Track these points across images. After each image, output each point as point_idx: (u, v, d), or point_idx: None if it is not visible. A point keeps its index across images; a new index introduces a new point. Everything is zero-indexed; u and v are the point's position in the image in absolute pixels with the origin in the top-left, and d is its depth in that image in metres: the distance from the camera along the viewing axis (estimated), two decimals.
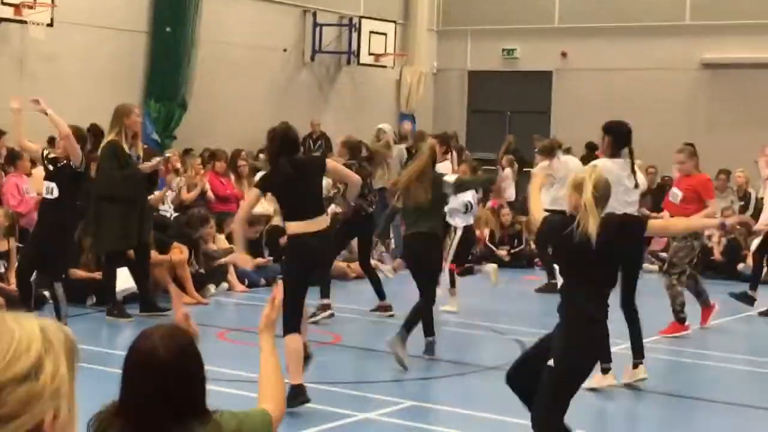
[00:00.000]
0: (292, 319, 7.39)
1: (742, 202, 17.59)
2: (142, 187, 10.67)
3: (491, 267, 12.90)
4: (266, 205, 15.44)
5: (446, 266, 12.24)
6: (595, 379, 8.30)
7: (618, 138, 8.76)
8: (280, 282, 3.97)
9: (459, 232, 12.18)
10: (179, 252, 12.17)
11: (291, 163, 7.67)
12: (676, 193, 11.07)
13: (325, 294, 11.20)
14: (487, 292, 12.99)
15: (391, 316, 11.26)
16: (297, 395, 7.34)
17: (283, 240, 8.58)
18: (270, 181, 7.90)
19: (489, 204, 17.62)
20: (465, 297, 12.46)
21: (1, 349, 1.83)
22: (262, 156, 17.79)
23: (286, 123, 8.25)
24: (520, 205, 18.72)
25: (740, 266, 16.28)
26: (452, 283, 12.28)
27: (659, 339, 10.76)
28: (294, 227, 7.61)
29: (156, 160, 10.92)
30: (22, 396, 1.82)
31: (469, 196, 12.11)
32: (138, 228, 10.67)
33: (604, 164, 8.30)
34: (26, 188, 12.80)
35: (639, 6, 23.46)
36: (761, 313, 13.12)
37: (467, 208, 12.12)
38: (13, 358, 1.83)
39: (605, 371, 8.46)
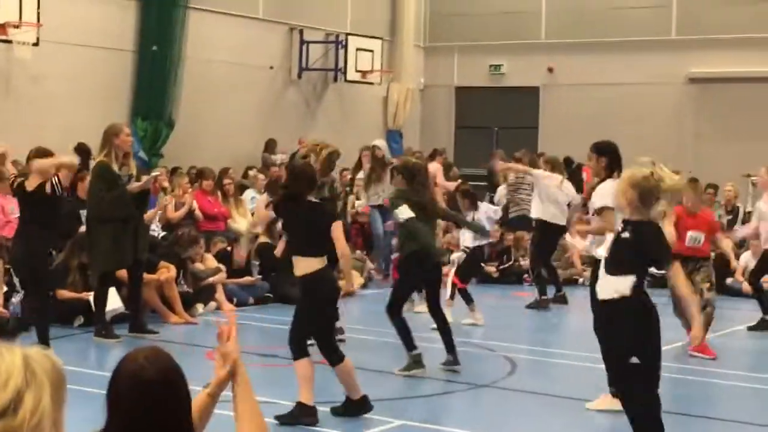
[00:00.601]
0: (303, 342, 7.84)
1: (730, 216, 17.61)
2: (132, 206, 10.61)
3: (478, 317, 12.72)
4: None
5: (449, 278, 12.35)
6: (603, 401, 8.28)
7: (614, 159, 8.73)
8: (232, 314, 3.74)
9: (465, 251, 12.34)
10: (167, 271, 12.12)
11: (311, 206, 7.95)
12: (696, 237, 10.91)
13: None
14: (477, 308, 12.93)
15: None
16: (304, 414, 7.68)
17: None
18: (290, 214, 8.07)
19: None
20: (456, 314, 12.42)
21: None
22: (251, 173, 17.78)
23: (308, 161, 8.89)
24: (511, 222, 18.71)
25: (729, 281, 16.27)
26: (452, 296, 12.38)
27: None
28: (314, 264, 7.79)
29: (144, 178, 10.87)
30: None
31: (484, 219, 12.32)
32: (132, 247, 10.61)
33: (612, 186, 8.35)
34: (11, 209, 12.70)
35: (625, 21, 23.53)
36: (750, 328, 13.11)
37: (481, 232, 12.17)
38: None
39: (615, 395, 8.40)
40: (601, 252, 6.48)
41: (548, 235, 14.36)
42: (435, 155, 20.64)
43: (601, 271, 6.46)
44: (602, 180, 8.77)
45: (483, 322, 12.48)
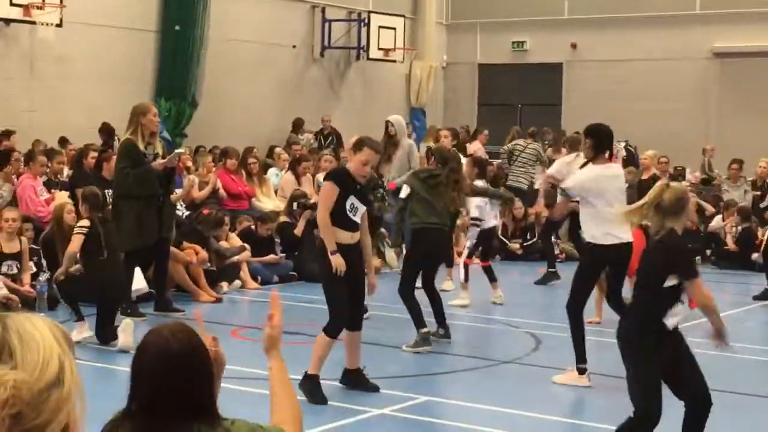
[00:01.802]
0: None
1: (759, 192, 17.43)
2: (157, 184, 10.65)
3: (499, 294, 12.64)
4: (277, 202, 15.45)
5: (461, 260, 12.33)
6: (569, 376, 8.40)
7: (599, 142, 8.62)
8: (275, 295, 3.76)
9: (476, 231, 12.25)
10: (194, 253, 12.19)
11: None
12: None
13: None
14: (500, 285, 12.93)
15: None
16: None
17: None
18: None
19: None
20: (478, 291, 12.43)
21: (32, 360, 1.86)
22: (277, 150, 17.76)
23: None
24: (531, 198, 18.65)
25: (754, 256, 16.17)
26: (466, 278, 12.29)
27: None
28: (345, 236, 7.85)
29: (169, 156, 10.91)
30: (53, 403, 1.85)
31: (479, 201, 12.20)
32: (157, 225, 10.65)
33: (591, 171, 8.41)
34: (40, 189, 12.80)
35: None
36: (755, 297, 13.10)
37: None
38: (44, 366, 1.85)
39: (581, 371, 8.48)
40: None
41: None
42: (477, 134, 20.46)
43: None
44: (587, 162, 8.76)
45: (503, 300, 12.44)
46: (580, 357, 8.49)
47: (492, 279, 12.53)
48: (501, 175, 18.38)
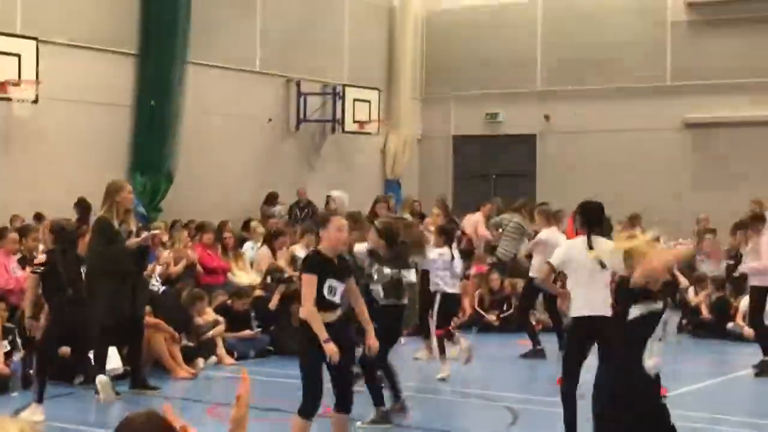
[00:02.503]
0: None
1: (732, 262, 17.54)
2: (131, 262, 10.65)
3: (465, 344, 12.51)
4: (253, 276, 15.43)
5: (432, 333, 12.29)
6: None
7: (585, 219, 8.74)
8: (245, 376, 3.71)
9: (438, 298, 12.18)
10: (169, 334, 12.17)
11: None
12: None
13: None
14: (476, 358, 12.90)
15: None
16: None
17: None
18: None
19: (474, 269, 17.58)
20: (455, 362, 12.39)
21: None
22: (252, 224, 17.77)
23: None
24: (513, 270, 18.71)
25: (729, 325, 16.25)
26: (441, 350, 12.24)
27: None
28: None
29: (144, 234, 10.92)
30: None
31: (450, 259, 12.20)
32: (131, 302, 10.63)
33: (570, 242, 8.54)
34: (13, 267, 12.73)
35: (620, 68, 23.69)
36: (756, 374, 12.96)
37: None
38: None
39: None
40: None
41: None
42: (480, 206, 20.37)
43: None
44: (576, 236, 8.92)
45: (448, 374, 12.26)
46: None
47: (441, 351, 12.32)
48: (485, 246, 18.50)
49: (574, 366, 8.49)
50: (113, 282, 10.51)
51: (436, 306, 12.18)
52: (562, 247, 9.11)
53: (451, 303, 12.51)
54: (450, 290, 12.23)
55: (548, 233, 13.66)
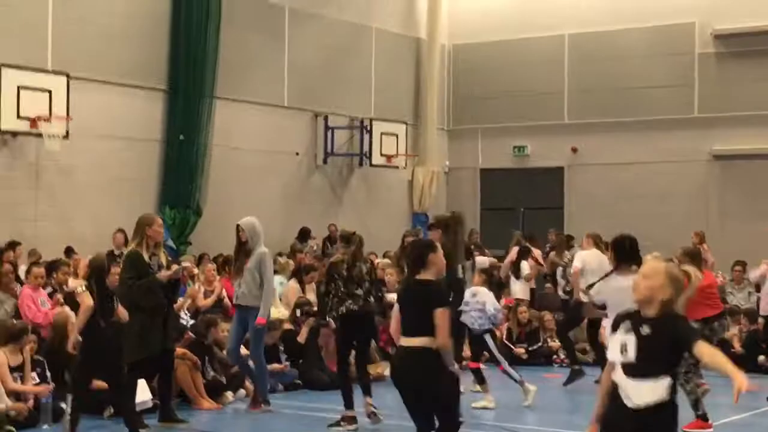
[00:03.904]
0: None
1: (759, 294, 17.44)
2: (162, 295, 10.69)
3: (532, 388, 12.61)
4: (282, 310, 15.45)
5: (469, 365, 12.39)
6: None
7: (619, 254, 8.72)
8: None
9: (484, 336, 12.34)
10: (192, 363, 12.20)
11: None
12: None
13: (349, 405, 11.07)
14: (506, 391, 12.84)
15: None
16: None
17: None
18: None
19: (503, 302, 17.54)
20: (503, 393, 12.41)
21: None
22: (280, 259, 17.82)
23: None
24: (538, 302, 18.68)
25: (761, 359, 16.10)
26: (480, 380, 12.32)
27: None
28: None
29: (174, 267, 10.96)
30: None
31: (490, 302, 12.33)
32: (161, 336, 10.66)
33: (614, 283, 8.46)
34: (42, 300, 12.82)
35: (647, 100, 23.68)
36: None
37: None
38: None
39: None
40: (613, 356, 5.78)
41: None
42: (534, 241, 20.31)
43: (622, 378, 5.58)
44: (610, 272, 8.85)
45: (494, 405, 12.31)
46: None
47: (481, 381, 12.49)
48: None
49: None
50: (144, 315, 10.54)
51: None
52: (606, 287, 9.00)
53: (480, 340, 12.62)
54: (480, 327, 12.36)
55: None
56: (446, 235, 11.76)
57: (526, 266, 19.19)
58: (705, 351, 5.44)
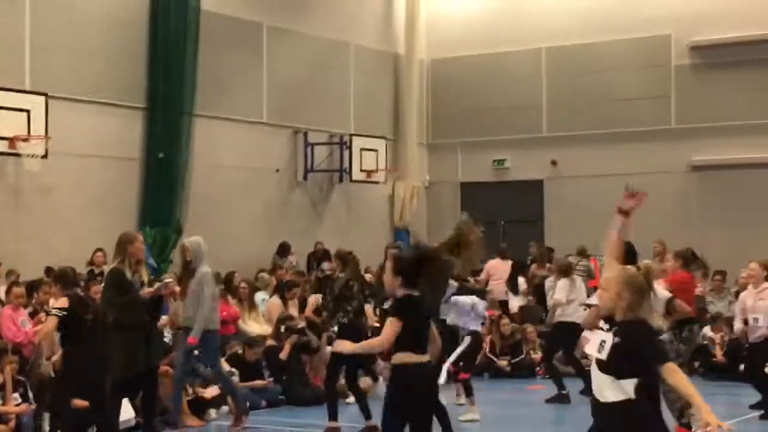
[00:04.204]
0: None
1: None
2: (145, 312, 10.66)
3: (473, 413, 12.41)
4: (264, 326, 15.43)
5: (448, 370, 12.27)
6: None
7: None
8: None
9: (467, 339, 12.20)
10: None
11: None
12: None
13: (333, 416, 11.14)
14: (489, 403, 12.87)
15: None
16: None
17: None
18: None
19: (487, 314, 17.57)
20: (488, 405, 12.36)
21: None
22: (263, 275, 17.82)
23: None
24: (520, 315, 18.74)
25: (742, 366, 16.16)
26: (468, 392, 12.28)
27: None
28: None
29: (157, 285, 10.94)
30: None
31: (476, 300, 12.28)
32: (145, 353, 10.62)
33: None
34: (22, 320, 12.75)
35: (625, 112, 23.80)
36: (762, 417, 12.92)
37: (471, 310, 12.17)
38: None
39: None
40: (590, 350, 5.99)
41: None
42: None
43: (596, 372, 5.83)
44: None
45: (479, 417, 12.26)
46: None
47: (468, 393, 12.37)
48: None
49: None
50: (127, 333, 10.50)
51: (465, 347, 12.20)
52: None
53: (478, 342, 12.65)
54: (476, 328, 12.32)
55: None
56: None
57: (522, 281, 19.32)
58: (673, 376, 5.59)
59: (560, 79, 24.69)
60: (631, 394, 5.67)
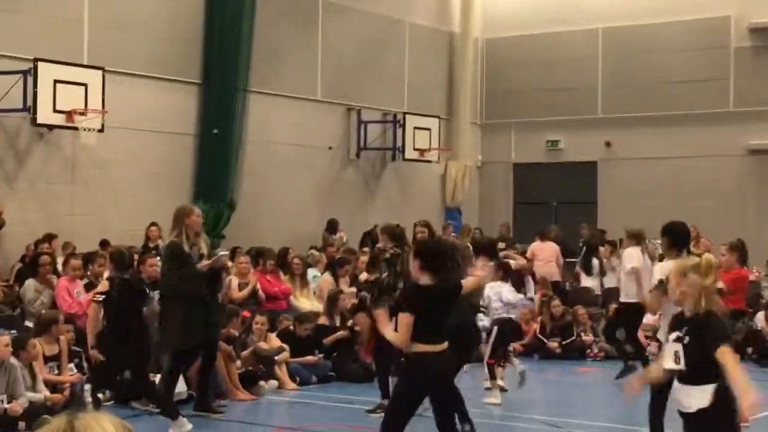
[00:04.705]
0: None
1: None
2: (203, 285, 10.72)
3: (520, 368, 12.45)
4: (315, 303, 15.49)
5: (485, 360, 12.25)
6: None
7: (675, 239, 8.64)
8: None
9: (495, 330, 12.15)
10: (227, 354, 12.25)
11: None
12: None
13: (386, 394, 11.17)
14: (539, 384, 12.83)
15: None
16: None
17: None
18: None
19: (537, 295, 17.50)
20: (517, 390, 12.31)
21: None
22: (314, 253, 17.88)
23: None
24: (571, 296, 18.64)
25: None
26: (492, 375, 12.20)
27: None
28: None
29: (214, 258, 11.01)
30: None
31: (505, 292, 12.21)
32: (203, 326, 10.69)
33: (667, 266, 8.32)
34: (77, 291, 12.92)
35: (682, 94, 23.54)
36: None
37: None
38: None
39: None
40: (668, 365, 5.91)
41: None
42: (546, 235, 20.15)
43: (677, 384, 5.86)
44: (662, 257, 8.78)
45: (499, 402, 12.16)
46: None
47: (492, 377, 12.21)
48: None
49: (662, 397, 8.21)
50: (185, 306, 10.58)
51: (493, 335, 12.16)
52: (657, 272, 8.91)
53: (507, 329, 12.45)
54: (506, 315, 12.21)
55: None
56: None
57: (596, 263, 19.18)
58: (724, 357, 5.54)
59: (616, 60, 24.46)
60: (712, 400, 5.66)
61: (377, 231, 21.15)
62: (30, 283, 13.18)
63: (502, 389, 12.26)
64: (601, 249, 18.98)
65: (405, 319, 7.05)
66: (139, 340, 10.12)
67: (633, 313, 13.64)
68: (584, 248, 19.49)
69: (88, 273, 13.51)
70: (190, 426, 9.80)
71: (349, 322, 14.19)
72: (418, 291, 7.23)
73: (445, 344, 7.20)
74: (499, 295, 12.18)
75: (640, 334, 15.78)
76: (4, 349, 10.14)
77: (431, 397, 7.45)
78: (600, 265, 19.16)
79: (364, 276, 12.45)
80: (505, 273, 12.50)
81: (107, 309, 10.14)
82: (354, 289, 14.79)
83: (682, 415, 5.87)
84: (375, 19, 23.16)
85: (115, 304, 10.04)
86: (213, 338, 11.01)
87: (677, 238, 8.64)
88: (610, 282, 18.28)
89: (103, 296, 10.12)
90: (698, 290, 5.77)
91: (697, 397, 5.69)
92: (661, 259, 9.97)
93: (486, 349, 12.23)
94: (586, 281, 19.01)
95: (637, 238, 13.90)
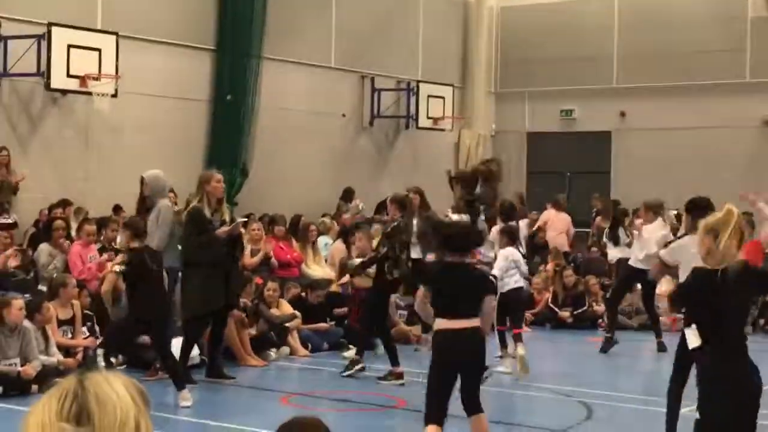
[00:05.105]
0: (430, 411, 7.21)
1: None
2: (222, 251, 10.75)
3: (521, 352, 11.91)
4: (327, 270, 15.52)
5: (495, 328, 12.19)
6: None
7: (699, 215, 8.59)
8: None
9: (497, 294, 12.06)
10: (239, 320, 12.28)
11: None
12: None
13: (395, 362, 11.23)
14: (550, 354, 12.85)
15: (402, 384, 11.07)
16: None
17: None
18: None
19: (549, 265, 17.51)
20: (531, 360, 12.31)
21: (109, 422, 1.94)
22: (326, 220, 17.87)
23: None
24: (583, 266, 18.64)
25: None
26: (503, 344, 12.17)
27: None
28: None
29: (232, 225, 11.04)
30: None
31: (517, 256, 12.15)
32: (222, 292, 10.73)
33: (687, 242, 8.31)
34: (91, 256, 12.97)
35: (698, 64, 23.38)
36: None
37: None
38: (120, 427, 1.92)
39: None
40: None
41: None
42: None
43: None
44: (684, 234, 8.78)
45: (512, 370, 12.14)
46: None
47: (503, 345, 12.18)
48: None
49: (686, 364, 8.13)
50: (205, 271, 10.61)
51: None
52: (682, 242, 8.90)
53: (516, 298, 12.30)
54: (508, 286, 11.97)
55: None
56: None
57: (623, 233, 19.08)
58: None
59: (632, 30, 24.29)
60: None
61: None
62: (43, 248, 13.23)
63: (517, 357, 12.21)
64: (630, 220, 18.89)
65: (422, 294, 7.22)
66: (158, 306, 10.12)
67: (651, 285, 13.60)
68: (612, 219, 19.39)
69: (101, 238, 13.56)
70: (189, 402, 9.74)
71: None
72: (432, 267, 7.30)
73: (469, 321, 7.17)
74: (515, 262, 12.08)
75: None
76: (18, 312, 10.21)
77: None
78: (628, 236, 19.08)
79: (356, 261, 12.56)
80: (509, 238, 12.37)
81: (128, 276, 10.12)
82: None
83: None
84: None
85: (136, 270, 10.02)
86: (232, 304, 11.06)
87: (700, 215, 8.58)
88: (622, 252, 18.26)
89: (124, 266, 10.07)
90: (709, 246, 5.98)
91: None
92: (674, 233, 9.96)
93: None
94: (612, 250, 18.86)
95: (655, 209, 13.81)
